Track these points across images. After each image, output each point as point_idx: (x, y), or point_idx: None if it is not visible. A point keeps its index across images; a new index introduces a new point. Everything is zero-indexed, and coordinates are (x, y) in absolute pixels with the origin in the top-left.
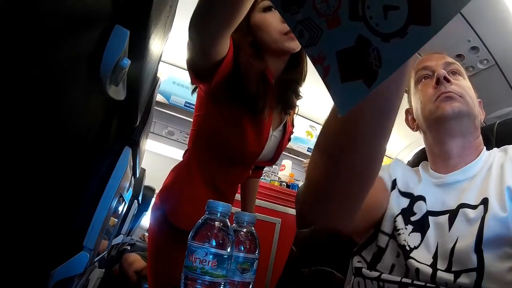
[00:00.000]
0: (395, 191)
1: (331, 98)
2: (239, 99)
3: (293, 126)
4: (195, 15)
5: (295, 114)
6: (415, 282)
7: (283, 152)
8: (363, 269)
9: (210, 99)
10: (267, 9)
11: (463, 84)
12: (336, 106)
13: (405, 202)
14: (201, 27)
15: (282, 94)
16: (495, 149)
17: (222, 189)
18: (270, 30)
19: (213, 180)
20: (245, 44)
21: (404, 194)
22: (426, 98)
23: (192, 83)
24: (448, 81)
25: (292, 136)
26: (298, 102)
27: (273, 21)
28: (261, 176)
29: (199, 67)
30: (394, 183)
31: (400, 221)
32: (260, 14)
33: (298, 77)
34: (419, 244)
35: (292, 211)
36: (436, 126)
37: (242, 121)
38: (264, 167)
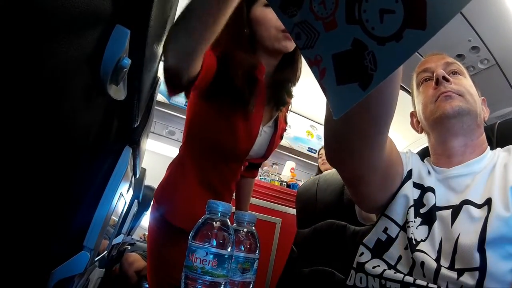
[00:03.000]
0: (410, 182)
1: (327, 101)
2: (226, 92)
3: (286, 123)
4: (172, 31)
5: (288, 111)
6: (416, 282)
7: (284, 152)
8: (366, 265)
9: (199, 96)
10: (268, 5)
11: (463, 83)
12: (331, 109)
13: (416, 193)
14: (177, 43)
15: (274, 92)
16: (498, 148)
17: (216, 187)
18: (269, 26)
19: (207, 177)
20: (241, 37)
21: (416, 185)
22: (426, 99)
23: (169, 95)
24: (447, 80)
25: (292, 136)
26: (298, 102)
27: (273, 17)
28: (256, 176)
29: (174, 82)
30: (409, 173)
31: (411, 213)
32: (261, 8)
33: (291, 77)
34: (426, 237)
35: (293, 211)
36: (438, 125)
37: (231, 116)
38: (259, 167)
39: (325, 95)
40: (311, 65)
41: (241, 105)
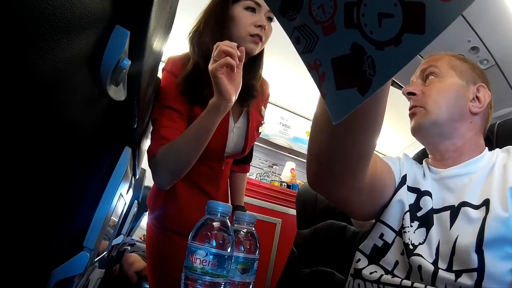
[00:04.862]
0: (404, 187)
1: (326, 106)
2: (190, 95)
3: (262, 117)
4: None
5: (264, 108)
6: (414, 285)
7: (284, 153)
8: (363, 271)
9: None
10: (248, 8)
11: (431, 88)
12: (330, 114)
13: (412, 197)
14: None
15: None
16: (497, 149)
17: (204, 187)
18: (241, 27)
19: (193, 179)
20: (220, 31)
21: (411, 189)
22: None
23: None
24: (413, 94)
25: (292, 136)
26: (298, 103)
27: (247, 21)
28: (248, 171)
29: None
30: (404, 179)
31: (407, 219)
32: (240, 9)
33: (254, 76)
34: (424, 241)
35: (293, 212)
36: (415, 137)
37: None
38: (249, 161)
39: (324, 100)
40: (310, 69)
41: (201, 103)
